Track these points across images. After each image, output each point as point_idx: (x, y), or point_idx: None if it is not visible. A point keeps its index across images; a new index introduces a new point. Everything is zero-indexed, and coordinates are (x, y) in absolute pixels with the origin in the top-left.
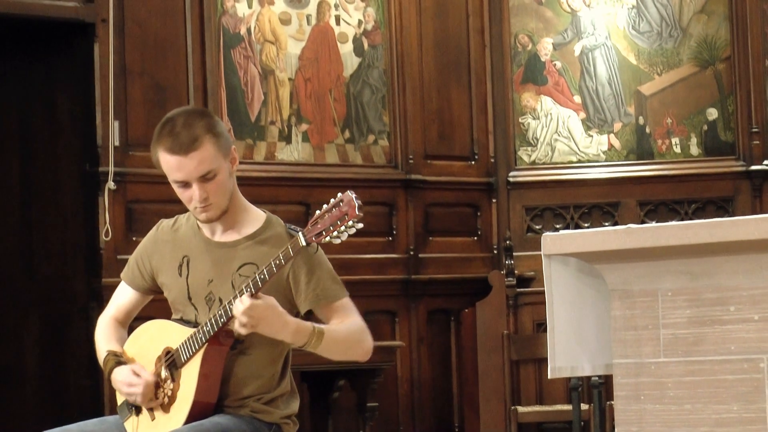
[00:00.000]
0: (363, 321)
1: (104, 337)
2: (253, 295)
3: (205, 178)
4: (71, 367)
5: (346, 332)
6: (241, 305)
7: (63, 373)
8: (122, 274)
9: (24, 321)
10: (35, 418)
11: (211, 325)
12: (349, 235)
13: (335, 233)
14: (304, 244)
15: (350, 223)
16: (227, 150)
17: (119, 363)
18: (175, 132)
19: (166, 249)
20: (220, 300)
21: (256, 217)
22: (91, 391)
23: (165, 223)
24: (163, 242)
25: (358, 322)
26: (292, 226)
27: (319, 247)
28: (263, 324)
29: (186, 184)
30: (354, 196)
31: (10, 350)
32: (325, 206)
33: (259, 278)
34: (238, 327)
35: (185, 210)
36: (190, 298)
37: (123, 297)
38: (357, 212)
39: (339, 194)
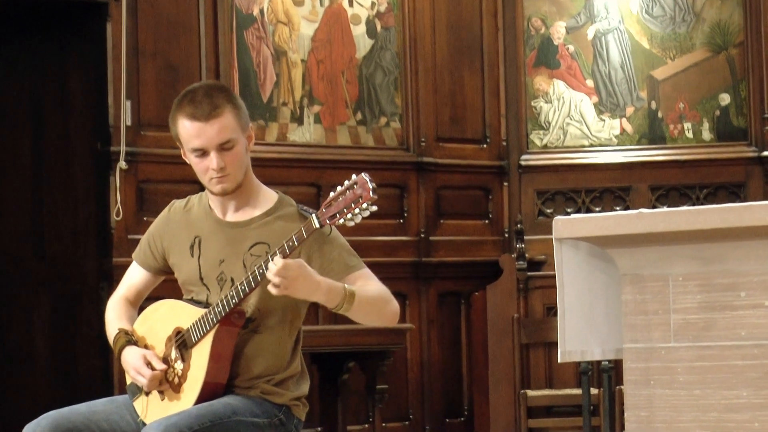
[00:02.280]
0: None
1: (115, 316)
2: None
3: (223, 147)
4: (81, 347)
5: (375, 293)
6: (274, 266)
7: (73, 353)
8: (134, 255)
9: (35, 300)
10: (45, 397)
11: (223, 305)
12: (363, 218)
13: (349, 215)
14: (317, 226)
15: (365, 205)
16: (246, 124)
17: (130, 342)
18: (197, 100)
19: (178, 229)
20: (232, 280)
21: (268, 196)
22: (101, 371)
23: (177, 204)
24: (175, 223)
25: (382, 286)
26: (305, 207)
27: (333, 228)
28: (297, 284)
29: (204, 153)
30: (368, 178)
31: (21, 329)
32: (339, 188)
33: (279, 250)
34: (271, 288)
35: (196, 190)
36: (201, 279)
37: (134, 277)
38: (371, 195)
39: (353, 176)
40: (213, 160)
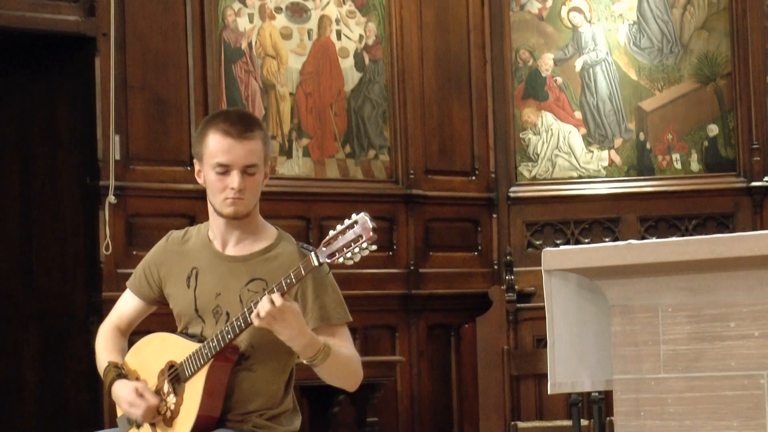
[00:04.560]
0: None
1: (105, 346)
2: (282, 296)
3: (247, 170)
4: (71, 381)
5: (347, 357)
6: (268, 304)
7: (62, 387)
8: (128, 283)
9: (24, 334)
10: (35, 431)
11: (218, 340)
12: (362, 257)
13: (348, 254)
14: (316, 264)
15: (364, 245)
16: (268, 158)
17: (120, 375)
18: (232, 119)
19: (175, 259)
20: (228, 314)
21: (268, 233)
22: (91, 404)
23: (175, 234)
24: (173, 253)
25: (355, 352)
26: (305, 245)
27: (329, 268)
28: (283, 324)
29: (227, 171)
30: (369, 218)
31: (10, 363)
32: (339, 227)
33: (276, 287)
34: (253, 318)
35: (185, 225)
36: (197, 310)
37: (127, 305)
38: (371, 234)
39: (353, 215)
40: (235, 178)
